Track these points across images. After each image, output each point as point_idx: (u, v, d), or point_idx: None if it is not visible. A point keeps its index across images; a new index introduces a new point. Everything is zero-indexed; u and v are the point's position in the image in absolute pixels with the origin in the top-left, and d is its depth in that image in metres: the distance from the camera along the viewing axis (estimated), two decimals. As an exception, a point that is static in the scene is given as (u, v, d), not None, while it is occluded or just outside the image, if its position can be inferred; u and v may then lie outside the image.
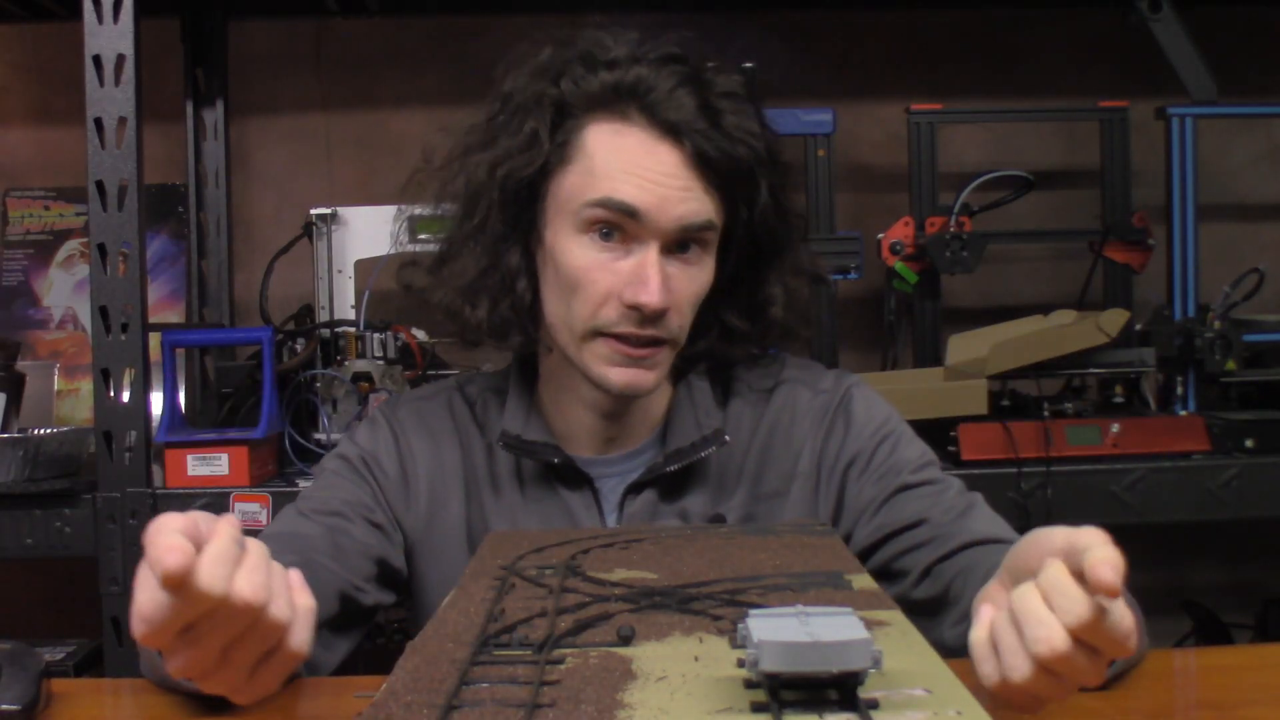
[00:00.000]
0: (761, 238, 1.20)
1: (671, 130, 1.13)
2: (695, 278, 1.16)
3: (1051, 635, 0.71)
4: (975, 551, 1.09)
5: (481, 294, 1.20)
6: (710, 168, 1.14)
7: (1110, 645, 0.73)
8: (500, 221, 1.18)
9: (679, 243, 1.15)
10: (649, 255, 1.13)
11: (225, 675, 0.76)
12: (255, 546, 0.75)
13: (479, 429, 1.27)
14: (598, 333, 1.15)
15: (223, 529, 0.73)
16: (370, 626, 1.21)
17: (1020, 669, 0.74)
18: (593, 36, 1.18)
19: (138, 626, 0.71)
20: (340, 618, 1.12)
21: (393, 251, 1.33)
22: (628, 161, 1.13)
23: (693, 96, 1.14)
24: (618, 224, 1.13)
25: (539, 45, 1.20)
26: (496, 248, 1.19)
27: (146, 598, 0.71)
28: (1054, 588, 0.72)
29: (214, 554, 0.71)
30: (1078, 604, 0.71)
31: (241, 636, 0.74)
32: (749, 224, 1.19)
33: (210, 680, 0.76)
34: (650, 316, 1.13)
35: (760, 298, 1.24)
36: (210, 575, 0.70)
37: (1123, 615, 0.72)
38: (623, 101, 1.14)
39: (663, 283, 1.12)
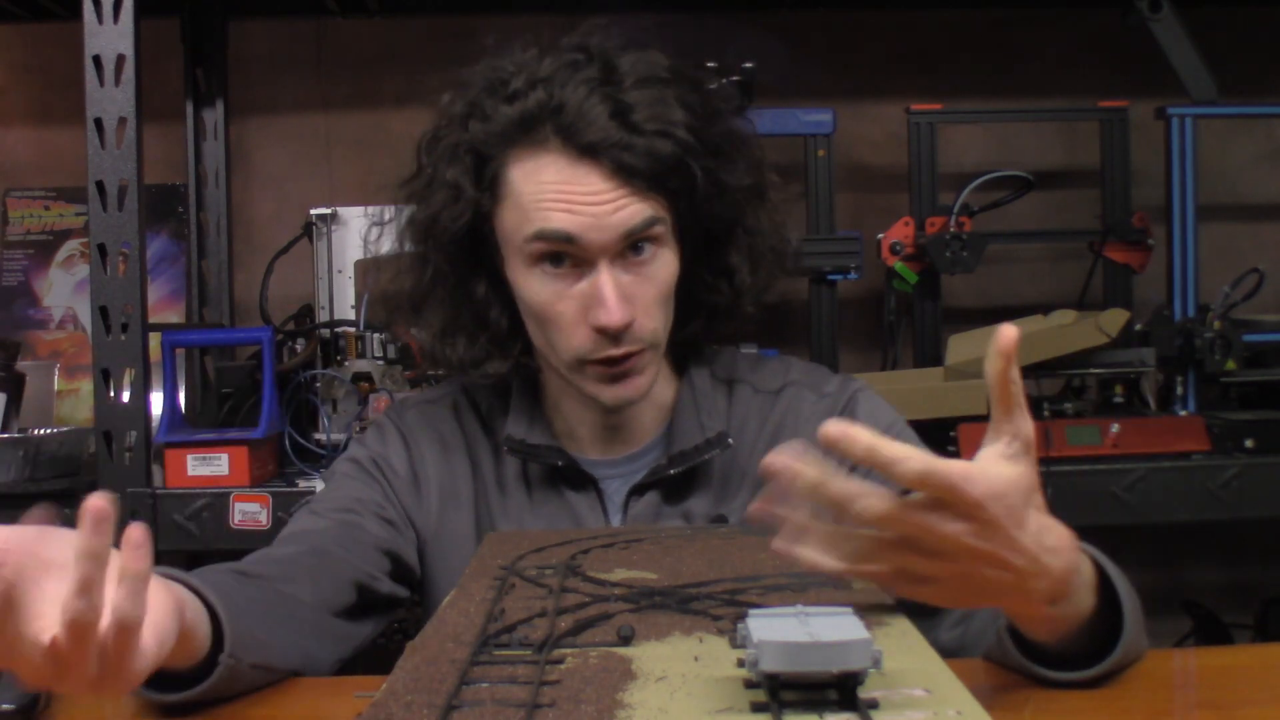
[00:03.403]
0: (707, 218, 1.19)
1: (589, 151, 1.11)
2: (655, 275, 1.15)
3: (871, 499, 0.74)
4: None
5: (457, 334, 1.21)
6: (636, 175, 1.12)
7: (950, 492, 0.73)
8: (456, 268, 1.19)
9: (631, 246, 1.14)
10: (601, 276, 1.12)
11: (74, 680, 0.70)
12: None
13: (485, 432, 1.28)
14: (581, 361, 1.15)
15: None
16: (392, 618, 1.21)
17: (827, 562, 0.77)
18: (490, 67, 1.17)
19: None
20: (358, 606, 1.13)
21: (368, 255, 1.32)
22: (553, 191, 1.11)
23: (604, 104, 1.11)
24: (561, 251, 1.13)
25: (448, 97, 1.19)
26: (459, 290, 1.20)
27: None
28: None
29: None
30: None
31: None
32: (692, 207, 1.17)
33: (65, 684, 0.71)
34: (617, 334, 1.13)
35: (727, 268, 1.23)
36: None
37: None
38: (534, 129, 1.12)
39: (620, 298, 1.12)
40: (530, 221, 1.12)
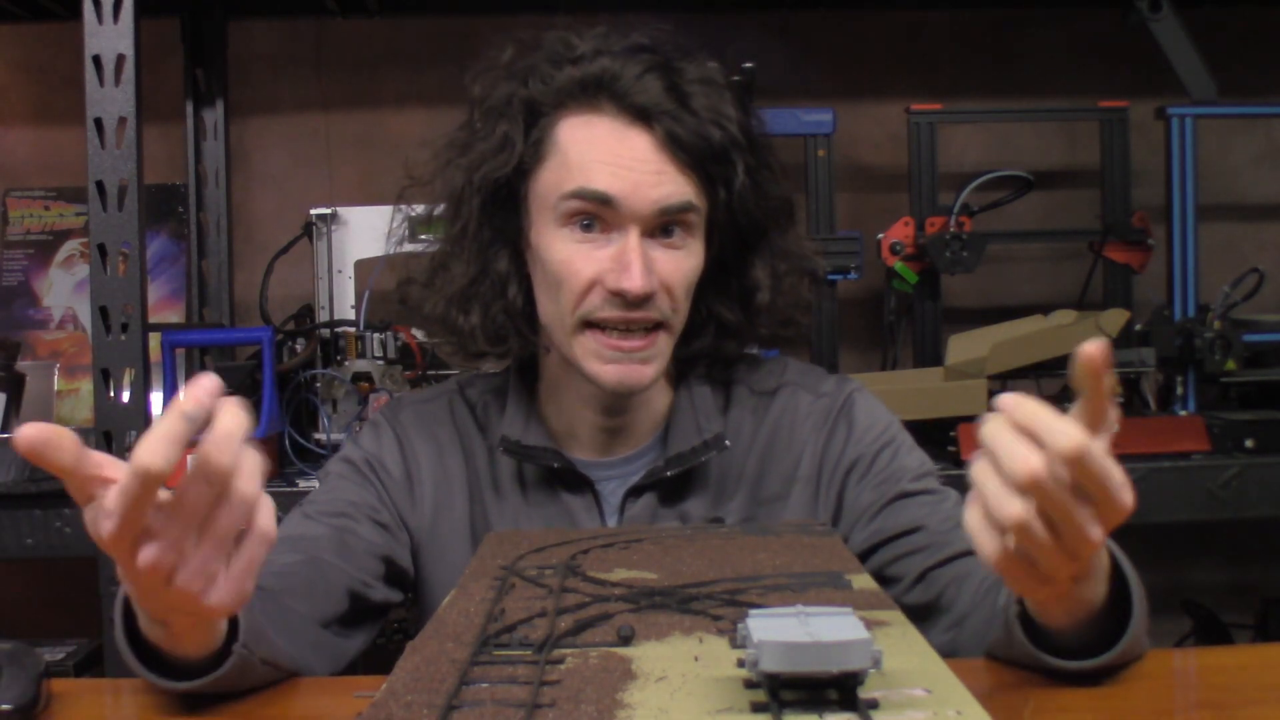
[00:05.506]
0: (742, 220, 1.20)
1: (641, 114, 1.13)
2: (681, 260, 1.16)
3: (1029, 455, 0.71)
4: (970, 560, 1.09)
5: (473, 301, 1.21)
6: (683, 149, 1.13)
7: (1101, 490, 0.72)
8: (484, 226, 1.19)
9: (661, 226, 1.15)
10: (629, 241, 1.13)
11: (195, 567, 0.74)
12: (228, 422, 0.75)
13: (481, 432, 1.27)
14: (586, 323, 1.15)
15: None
16: (382, 624, 1.21)
17: (1009, 506, 0.72)
18: (558, 36, 1.19)
19: (104, 524, 0.71)
20: (350, 614, 1.13)
21: (389, 252, 1.33)
22: (600, 150, 1.13)
23: (660, 80, 1.14)
24: (595, 213, 1.13)
25: (505, 48, 1.20)
26: (484, 254, 1.20)
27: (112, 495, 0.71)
28: (1028, 419, 0.72)
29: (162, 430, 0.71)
30: (1059, 425, 0.70)
31: (210, 517, 0.73)
32: (728, 206, 1.18)
33: (183, 575, 0.74)
34: (635, 302, 1.13)
35: (747, 284, 1.24)
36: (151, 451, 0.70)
37: (1112, 464, 0.71)
38: (591, 93, 1.15)
39: (645, 267, 1.12)
40: (571, 179, 1.13)
